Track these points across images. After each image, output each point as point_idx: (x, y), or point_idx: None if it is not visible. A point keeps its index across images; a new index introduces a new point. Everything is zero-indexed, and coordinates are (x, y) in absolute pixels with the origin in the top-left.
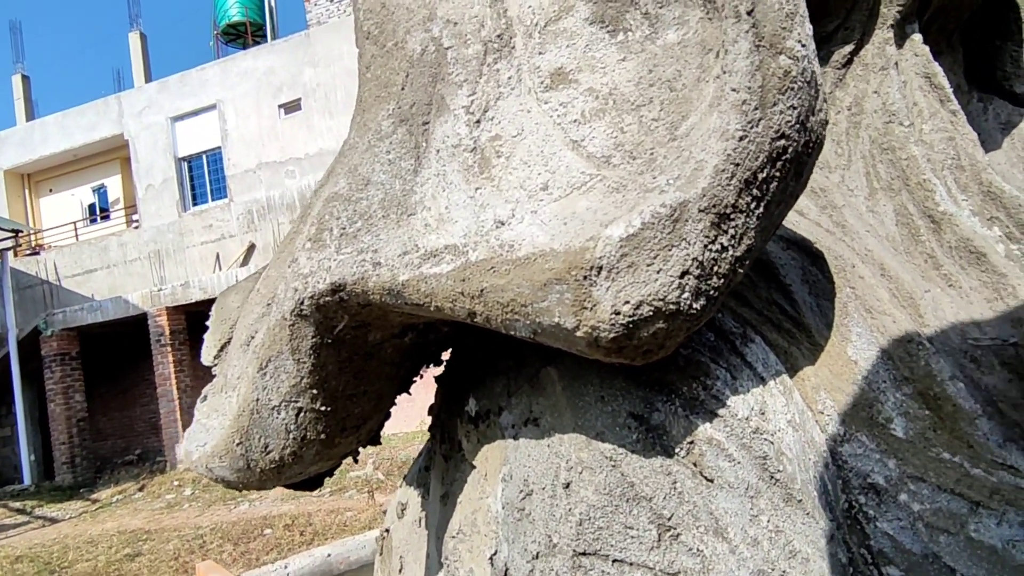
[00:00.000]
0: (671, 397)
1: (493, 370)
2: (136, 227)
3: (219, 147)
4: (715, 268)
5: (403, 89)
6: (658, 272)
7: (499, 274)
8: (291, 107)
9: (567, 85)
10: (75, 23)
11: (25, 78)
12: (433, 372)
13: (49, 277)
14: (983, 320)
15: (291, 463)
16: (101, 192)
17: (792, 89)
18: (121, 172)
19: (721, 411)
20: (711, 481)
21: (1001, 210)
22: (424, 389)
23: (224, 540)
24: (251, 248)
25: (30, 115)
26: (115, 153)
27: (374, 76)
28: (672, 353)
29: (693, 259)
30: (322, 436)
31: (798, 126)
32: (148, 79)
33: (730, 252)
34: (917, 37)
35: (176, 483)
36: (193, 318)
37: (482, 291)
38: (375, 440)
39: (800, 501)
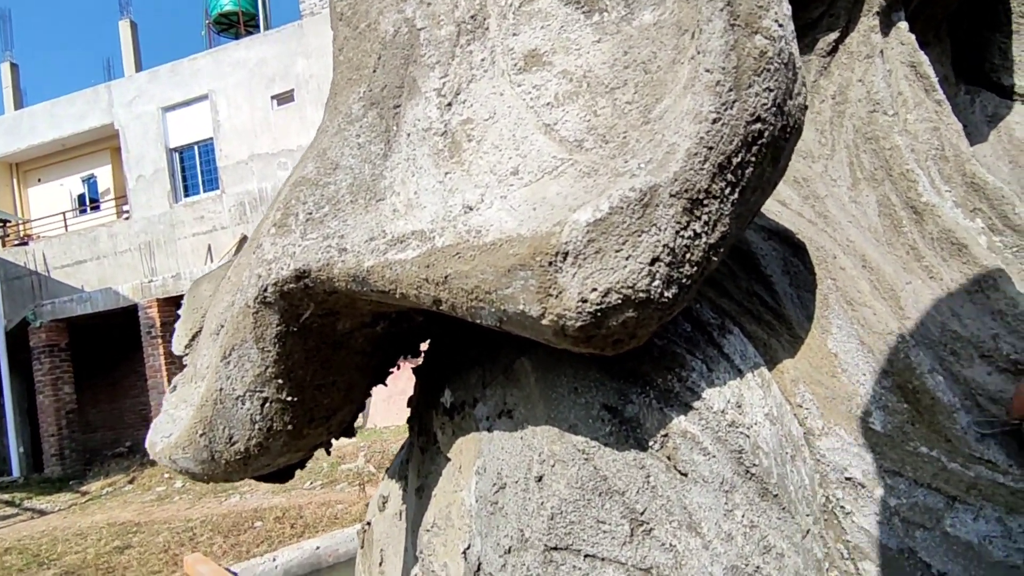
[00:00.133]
0: (645, 389)
1: (468, 361)
2: (127, 218)
3: (211, 138)
4: (687, 255)
5: (375, 72)
6: (627, 259)
7: (464, 260)
8: (284, 98)
9: (541, 67)
10: (64, 11)
11: (14, 66)
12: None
13: (38, 268)
14: (964, 312)
15: (257, 454)
16: (91, 182)
17: (768, 70)
18: (111, 162)
19: (696, 404)
20: (685, 475)
21: (984, 201)
22: None
23: (214, 532)
24: (243, 240)
25: (18, 104)
26: (105, 143)
27: (346, 59)
28: (646, 343)
29: (664, 245)
30: (289, 427)
31: (775, 109)
32: (139, 68)
33: (703, 239)
34: (903, 25)
35: (166, 476)
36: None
37: (446, 277)
38: (348, 432)
39: (776, 496)
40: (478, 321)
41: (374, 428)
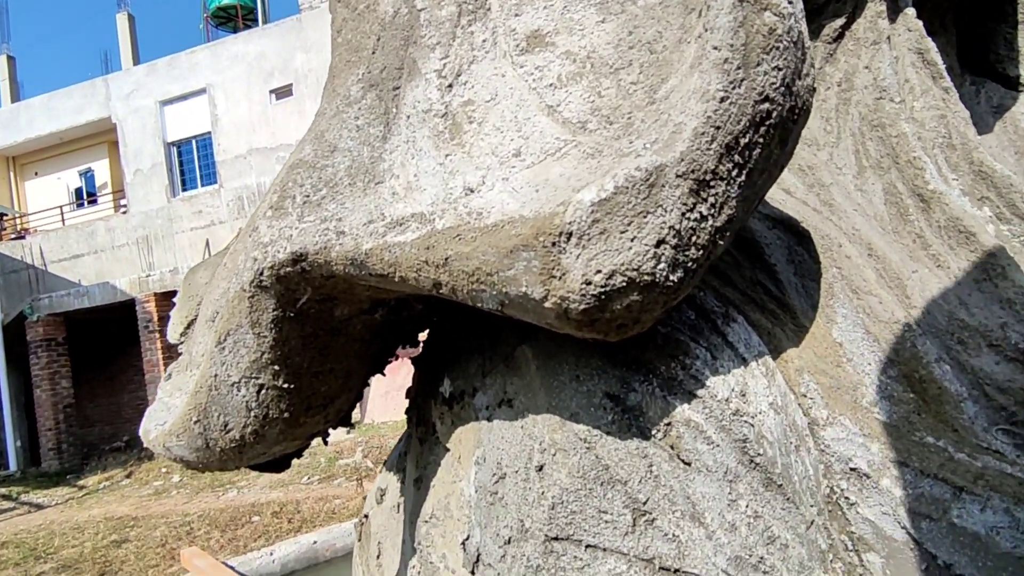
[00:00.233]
0: (648, 377)
1: (468, 349)
2: (124, 212)
3: (209, 132)
4: (693, 238)
5: (374, 53)
6: (632, 240)
7: (465, 241)
8: (282, 92)
9: (543, 48)
10: (61, 3)
11: (10, 59)
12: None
13: (35, 262)
14: (971, 301)
15: (253, 442)
16: (88, 176)
17: (777, 48)
18: (109, 156)
19: (700, 392)
20: (688, 464)
21: (992, 190)
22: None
23: (212, 527)
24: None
25: (15, 97)
26: (102, 137)
27: (345, 40)
28: (649, 330)
29: (670, 227)
30: (286, 415)
31: (783, 89)
32: (136, 62)
33: (709, 222)
34: (911, 12)
35: (164, 470)
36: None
37: (447, 259)
38: (345, 421)
39: (780, 486)
40: (479, 305)
41: (371, 423)
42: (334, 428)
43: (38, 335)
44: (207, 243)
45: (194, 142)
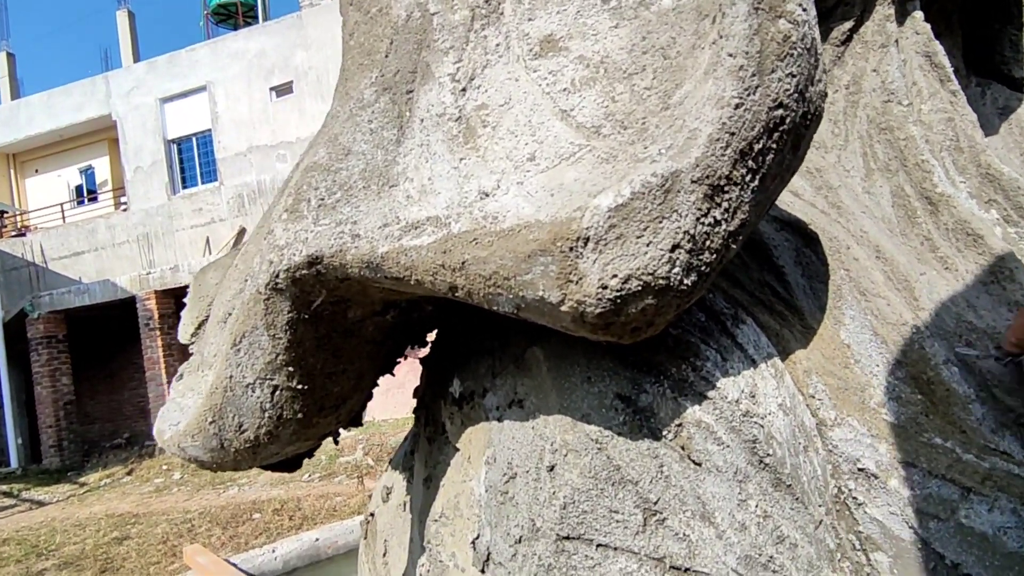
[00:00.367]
0: (659, 378)
1: (478, 350)
2: (124, 210)
3: (209, 129)
4: (707, 242)
5: (387, 56)
6: (648, 245)
7: (482, 246)
8: (283, 90)
9: (557, 53)
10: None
11: (10, 56)
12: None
13: (35, 259)
14: (979, 303)
15: (267, 443)
16: (88, 173)
17: (792, 55)
18: (109, 153)
19: (710, 393)
20: (699, 465)
21: (999, 192)
22: (415, 375)
23: (213, 524)
24: (241, 232)
25: (15, 94)
26: (103, 134)
27: (357, 43)
28: (661, 332)
29: (684, 232)
30: (299, 415)
31: (797, 95)
32: (136, 59)
33: (723, 226)
34: (918, 14)
35: (165, 467)
36: (182, 302)
37: (464, 263)
38: (356, 421)
39: (789, 486)
40: (495, 308)
41: (372, 421)
42: (345, 428)
43: (39, 332)
44: (207, 240)
45: (194, 139)
